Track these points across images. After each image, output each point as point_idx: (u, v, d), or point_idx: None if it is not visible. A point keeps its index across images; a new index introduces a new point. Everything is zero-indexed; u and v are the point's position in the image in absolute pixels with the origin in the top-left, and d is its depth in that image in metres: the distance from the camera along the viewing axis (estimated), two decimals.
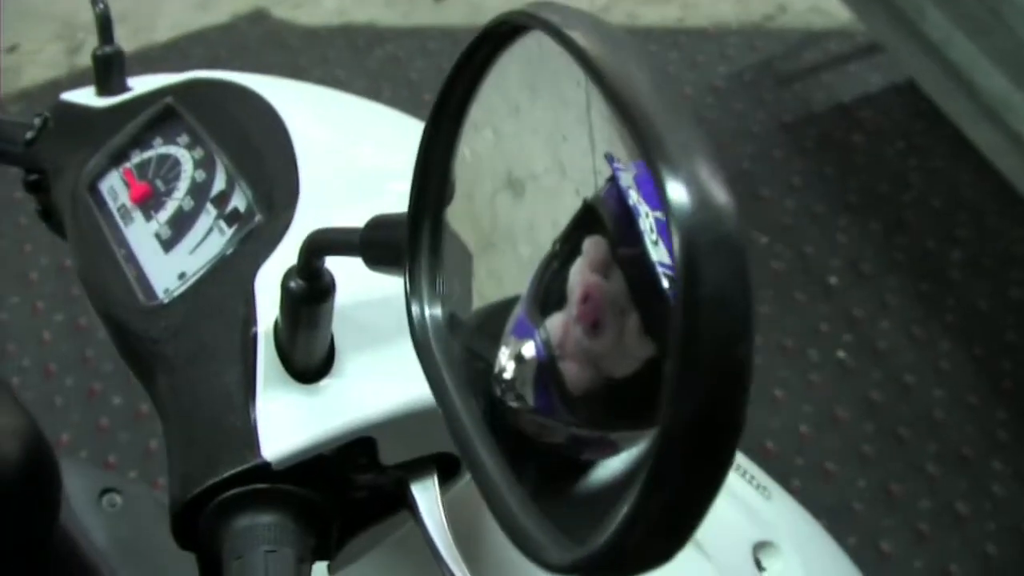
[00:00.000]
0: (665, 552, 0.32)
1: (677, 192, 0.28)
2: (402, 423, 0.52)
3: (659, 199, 0.28)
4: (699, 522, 0.31)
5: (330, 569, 0.60)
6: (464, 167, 0.46)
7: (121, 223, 0.67)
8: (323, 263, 0.50)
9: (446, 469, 0.56)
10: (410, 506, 0.55)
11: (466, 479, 0.57)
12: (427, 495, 0.55)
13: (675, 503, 0.30)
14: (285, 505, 0.50)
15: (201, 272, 0.60)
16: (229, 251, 0.60)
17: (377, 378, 0.53)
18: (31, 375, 2.14)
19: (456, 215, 0.47)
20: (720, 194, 0.28)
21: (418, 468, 0.55)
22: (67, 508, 1.03)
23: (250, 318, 0.55)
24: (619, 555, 0.32)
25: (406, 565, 0.71)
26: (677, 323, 0.28)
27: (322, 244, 0.49)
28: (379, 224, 0.49)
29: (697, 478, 0.30)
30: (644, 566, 0.33)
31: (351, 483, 0.55)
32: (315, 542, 0.51)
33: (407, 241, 0.47)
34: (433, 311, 0.47)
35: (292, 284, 0.50)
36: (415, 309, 0.47)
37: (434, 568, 0.53)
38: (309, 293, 0.50)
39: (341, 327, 0.54)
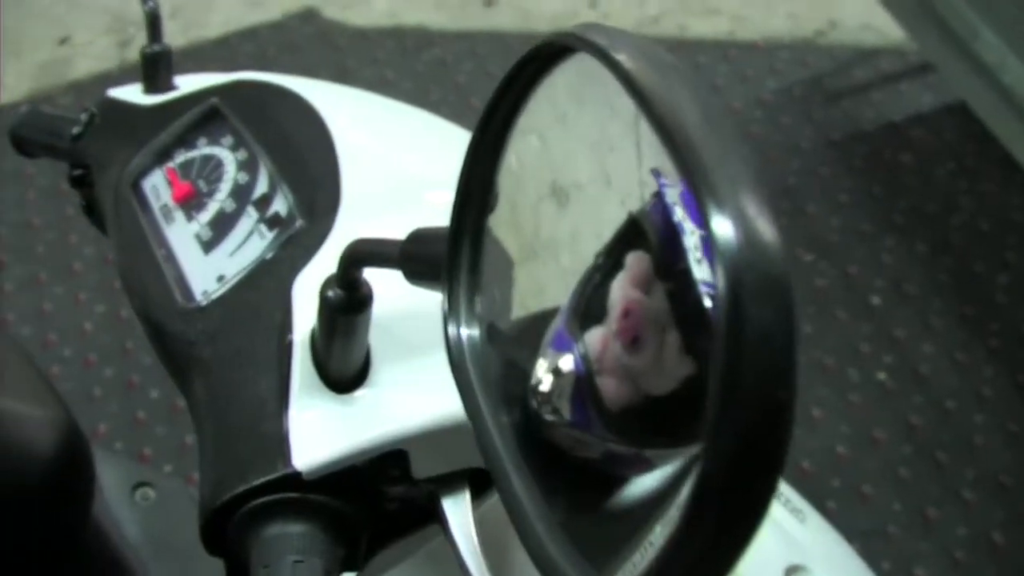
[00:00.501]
0: None
1: (723, 228, 0.27)
2: (435, 437, 0.52)
3: (704, 232, 0.28)
4: (733, 566, 0.30)
5: None
6: (509, 173, 0.45)
7: (162, 222, 0.67)
8: (362, 273, 0.50)
9: (478, 484, 0.56)
10: (441, 520, 0.54)
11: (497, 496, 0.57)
12: (458, 510, 0.54)
13: (711, 546, 0.30)
14: (315, 515, 0.50)
15: (240, 276, 0.60)
16: (269, 255, 0.60)
17: (412, 391, 0.52)
18: (71, 365, 2.16)
19: (499, 222, 0.46)
20: (767, 231, 0.28)
21: (450, 482, 0.55)
22: (100, 500, 1.04)
23: (287, 325, 0.55)
24: None
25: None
26: (719, 364, 0.27)
27: (361, 255, 0.49)
28: (419, 238, 0.48)
29: (734, 521, 0.29)
30: None
31: (382, 495, 0.54)
32: (344, 553, 0.51)
33: (446, 259, 0.46)
34: (470, 331, 0.46)
35: (330, 293, 0.50)
36: (452, 329, 0.46)
37: None
38: (347, 303, 0.50)
39: (378, 338, 0.53)
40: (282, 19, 2.98)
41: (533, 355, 0.41)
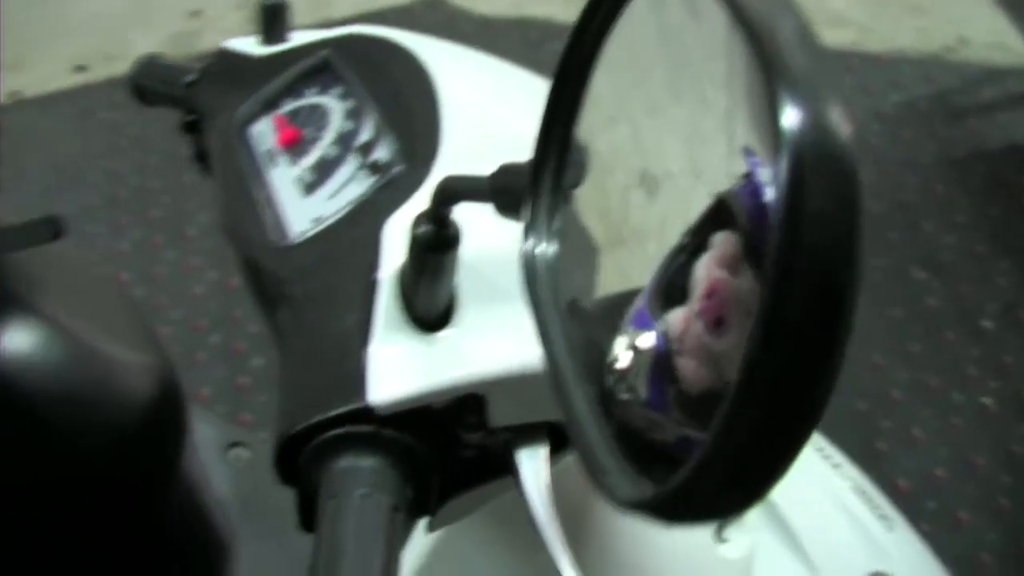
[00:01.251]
0: (739, 499, 0.31)
1: (793, 105, 0.27)
2: (515, 384, 0.51)
3: (771, 115, 0.27)
4: (778, 473, 0.30)
5: (429, 527, 0.59)
6: (598, 160, 0.45)
7: (266, 165, 0.68)
8: (451, 211, 0.50)
9: (556, 441, 0.55)
10: (514, 473, 0.54)
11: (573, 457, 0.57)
12: (533, 464, 0.54)
13: (757, 439, 0.29)
14: (386, 451, 0.50)
15: (335, 217, 0.61)
16: (365, 199, 0.61)
17: (495, 335, 0.52)
18: (179, 328, 2.21)
19: (587, 208, 0.46)
20: (836, 113, 0.27)
21: (527, 434, 0.54)
22: (194, 455, 1.06)
23: (375, 263, 0.56)
24: (691, 495, 0.32)
25: (504, 535, 0.70)
26: (776, 238, 0.27)
27: (452, 190, 0.49)
28: (508, 170, 0.49)
29: (781, 416, 0.29)
30: (715, 511, 0.33)
31: (457, 440, 0.54)
32: (413, 494, 0.51)
33: (531, 174, 0.47)
34: (547, 247, 0.47)
35: (420, 230, 0.50)
36: (529, 243, 0.47)
37: (532, 541, 0.52)
38: (436, 240, 0.50)
39: (465, 281, 0.54)
40: (410, 3, 3.02)
41: (612, 333, 0.41)
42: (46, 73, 2.83)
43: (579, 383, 0.42)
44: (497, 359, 0.51)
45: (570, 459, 0.65)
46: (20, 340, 0.83)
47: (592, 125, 0.46)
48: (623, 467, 0.38)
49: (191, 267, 2.33)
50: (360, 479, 0.49)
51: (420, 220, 0.50)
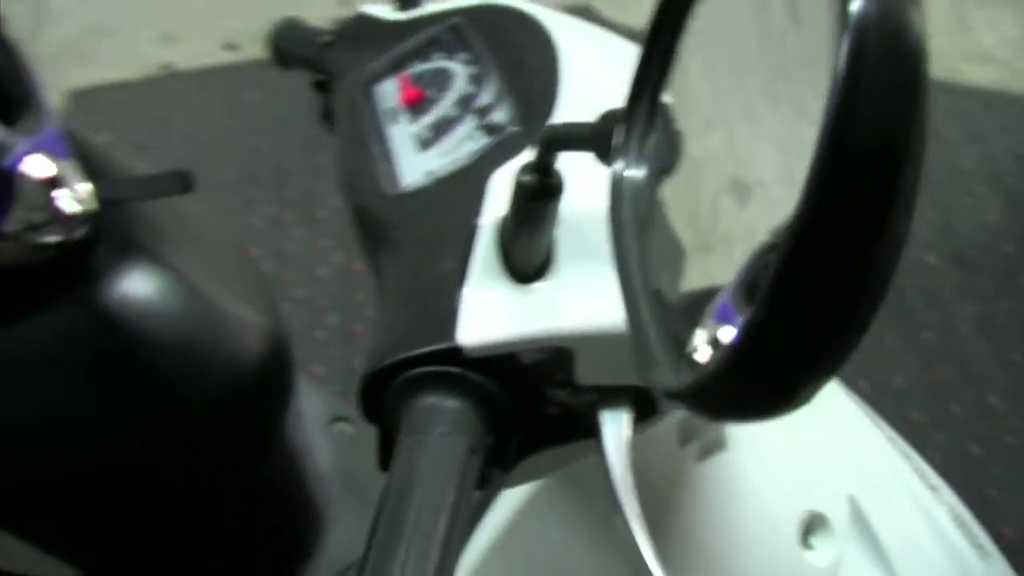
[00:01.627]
0: (782, 387, 0.31)
1: None
2: (606, 342, 0.51)
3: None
4: (819, 364, 0.30)
5: (506, 483, 0.59)
6: (691, 165, 0.45)
7: (386, 121, 0.70)
8: (556, 160, 0.50)
9: (642, 409, 0.55)
10: (597, 436, 0.54)
11: (659, 422, 0.56)
12: (616, 427, 0.53)
13: (799, 317, 0.29)
14: (470, 394, 0.50)
15: (447, 171, 0.63)
16: (478, 155, 0.62)
17: (590, 291, 0.52)
18: (300, 306, 2.25)
19: (676, 212, 0.46)
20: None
21: (612, 397, 0.54)
22: (298, 423, 1.08)
23: (478, 211, 0.56)
24: (730, 380, 0.32)
25: (581, 503, 0.70)
26: (835, 91, 0.27)
27: (557, 137, 0.50)
28: (612, 116, 0.49)
29: (828, 287, 0.29)
30: (756, 399, 0.33)
31: (542, 396, 0.54)
32: (492, 442, 0.51)
33: (628, 101, 0.47)
34: (637, 170, 0.47)
35: (524, 178, 0.51)
36: (618, 165, 0.47)
37: (609, 514, 0.52)
38: (539, 188, 0.50)
39: (564, 235, 0.54)
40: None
41: (692, 326, 0.41)
42: (198, 49, 2.92)
43: (645, 286, 0.44)
44: (590, 314, 0.51)
45: (659, 449, 0.65)
46: (141, 286, 0.85)
47: (688, 128, 0.47)
48: (671, 353, 0.39)
49: (319, 248, 2.37)
50: (441, 418, 0.49)
51: (525, 169, 0.51)
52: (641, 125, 0.47)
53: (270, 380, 0.95)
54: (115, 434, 0.85)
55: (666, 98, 0.47)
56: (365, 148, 0.69)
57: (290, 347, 1.01)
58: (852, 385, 0.82)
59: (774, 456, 0.71)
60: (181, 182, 0.88)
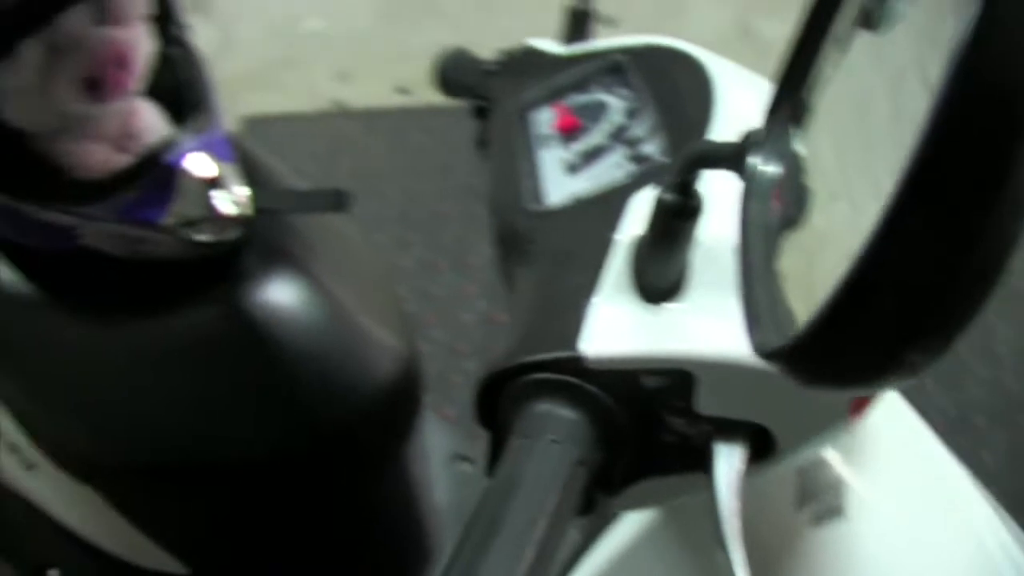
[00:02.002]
0: (882, 352, 0.30)
1: None
2: (730, 371, 0.50)
3: None
4: (923, 326, 0.29)
5: (610, 507, 0.58)
6: (812, 235, 0.44)
7: (538, 145, 0.72)
8: (697, 180, 0.49)
9: (758, 448, 0.53)
10: (708, 471, 0.52)
11: (772, 469, 0.54)
12: (729, 463, 0.52)
13: (906, 265, 0.28)
14: (586, 406, 0.50)
15: (591, 194, 0.63)
16: (623, 183, 0.62)
17: (720, 318, 0.51)
18: (439, 348, 2.26)
19: (791, 282, 0.45)
20: None
21: (729, 431, 0.53)
22: (421, 456, 1.08)
23: (614, 227, 0.57)
24: (826, 336, 0.31)
25: (685, 540, 0.68)
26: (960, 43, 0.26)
27: (699, 155, 0.49)
28: (754, 134, 0.48)
29: (943, 232, 0.27)
30: (853, 365, 0.31)
31: (659, 421, 0.53)
32: (601, 458, 0.50)
33: (772, 96, 0.46)
34: (773, 168, 0.46)
35: (664, 196, 0.50)
36: (753, 159, 0.46)
37: (713, 556, 0.51)
38: (678, 207, 0.50)
39: (700, 259, 0.53)
40: (714, 38, 3.02)
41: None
42: (371, 89, 2.99)
43: (764, 253, 0.43)
44: (718, 341, 0.50)
45: (773, 507, 0.63)
46: (285, 294, 0.87)
47: (814, 190, 0.46)
48: (776, 314, 0.38)
49: (464, 294, 2.39)
50: (554, 425, 0.49)
51: (666, 187, 0.50)
52: (781, 124, 0.46)
53: (397, 403, 0.96)
54: (240, 432, 0.86)
55: (800, 149, 0.46)
56: (514, 168, 0.70)
57: (421, 377, 1.02)
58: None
59: (896, 535, 0.68)
60: (336, 200, 0.90)
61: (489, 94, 0.86)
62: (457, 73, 0.92)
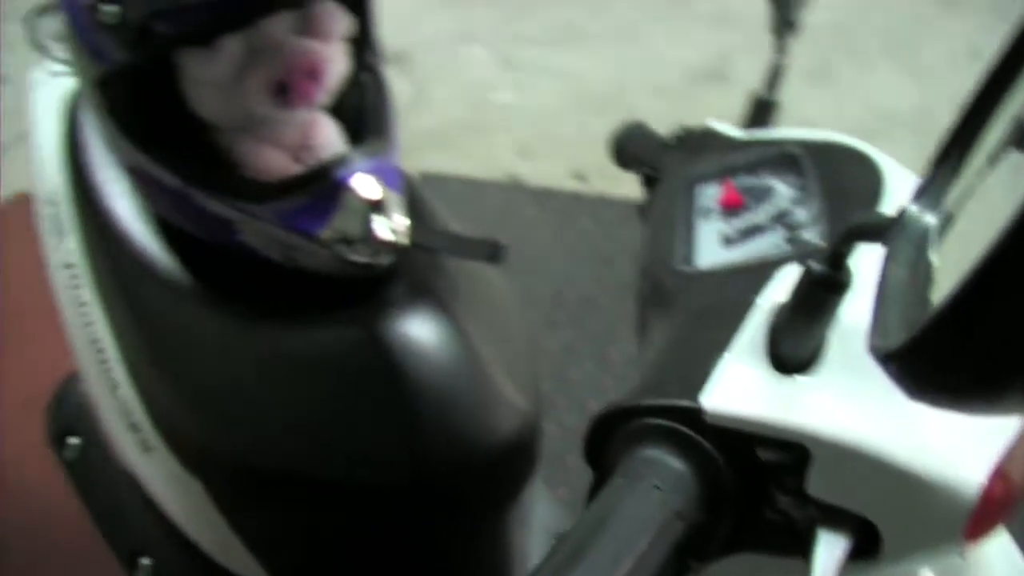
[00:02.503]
0: (996, 363, 0.28)
1: None
2: (849, 455, 0.48)
3: None
4: None
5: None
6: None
7: (699, 216, 0.73)
8: (850, 253, 0.48)
9: (862, 544, 0.51)
10: (807, 557, 0.50)
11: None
12: (831, 553, 0.50)
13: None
14: (695, 460, 0.49)
15: (740, 263, 0.64)
16: (775, 259, 0.62)
17: (850, 401, 0.49)
18: (564, 431, 2.24)
19: None
20: None
21: (836, 520, 0.51)
22: (524, 528, 1.06)
23: (758, 290, 0.57)
24: (940, 338, 0.30)
25: None
26: None
27: (857, 227, 0.47)
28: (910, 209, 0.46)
29: None
30: (964, 377, 0.30)
31: (765, 494, 0.51)
32: (702, 518, 0.49)
33: (942, 146, 0.45)
34: (929, 217, 0.44)
35: (813, 265, 0.49)
36: (914, 205, 0.44)
37: None
38: (826, 277, 0.49)
39: (839, 337, 0.52)
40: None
41: None
42: (548, 170, 3.02)
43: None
44: (841, 421, 0.49)
45: None
46: (424, 330, 0.87)
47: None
48: (901, 323, 0.37)
49: (601, 385, 2.38)
50: (660, 472, 0.48)
51: (816, 256, 0.49)
52: (946, 176, 0.45)
53: (510, 463, 0.95)
54: (351, 454, 0.87)
55: (934, 259, 0.45)
56: (672, 231, 0.71)
57: (539, 444, 1.01)
58: None
59: None
60: (492, 251, 0.90)
61: (661, 165, 0.88)
62: (633, 144, 0.94)
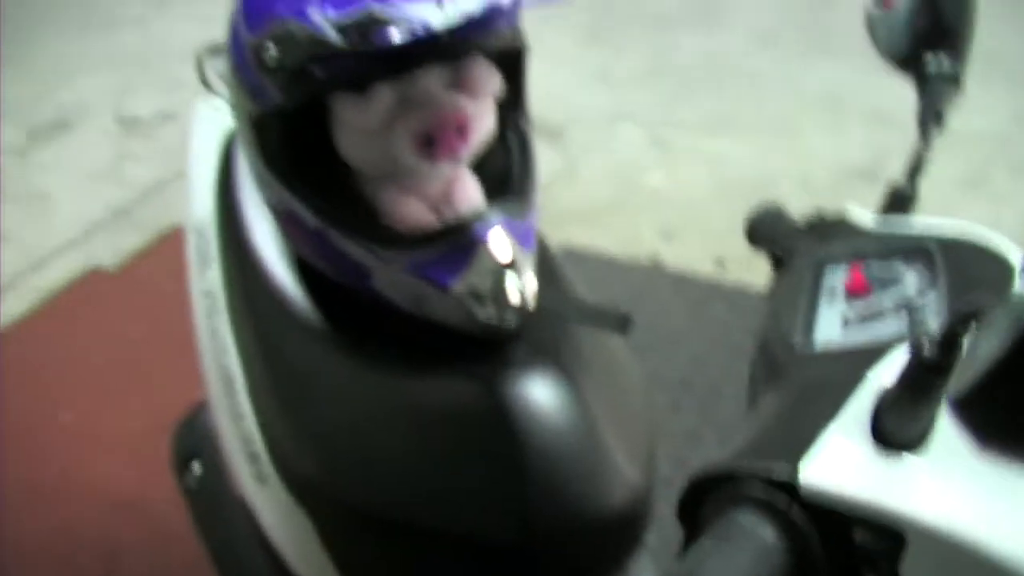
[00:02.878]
0: None
1: None
2: (950, 547, 0.47)
3: None
4: None
5: None
6: None
7: (823, 296, 0.73)
8: (964, 336, 0.47)
9: None
10: None
11: None
12: None
13: None
14: (787, 533, 0.49)
15: (856, 346, 0.64)
16: (891, 341, 0.62)
17: (951, 485, 0.48)
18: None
19: None
20: None
21: None
22: None
23: (870, 364, 0.57)
24: (994, 384, 0.34)
25: None
26: None
27: (969, 311, 0.47)
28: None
29: None
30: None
31: None
32: None
33: None
34: None
35: (924, 344, 0.48)
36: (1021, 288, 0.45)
37: None
38: (936, 360, 0.47)
39: (951, 422, 0.50)
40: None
41: None
42: (690, 253, 3.02)
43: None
44: (944, 511, 0.47)
45: None
46: (543, 393, 0.88)
47: None
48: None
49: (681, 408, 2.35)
50: (749, 538, 0.48)
51: (928, 336, 0.48)
52: None
53: (616, 534, 0.94)
54: (458, 506, 0.87)
55: None
56: (794, 309, 0.72)
57: (648, 518, 1.00)
58: None
59: None
60: (619, 322, 0.91)
61: (791, 247, 0.88)
62: (767, 224, 0.95)
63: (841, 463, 0.50)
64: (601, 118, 3.68)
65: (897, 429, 0.50)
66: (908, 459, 0.50)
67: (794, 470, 0.49)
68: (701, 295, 2.89)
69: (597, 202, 3.21)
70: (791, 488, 0.49)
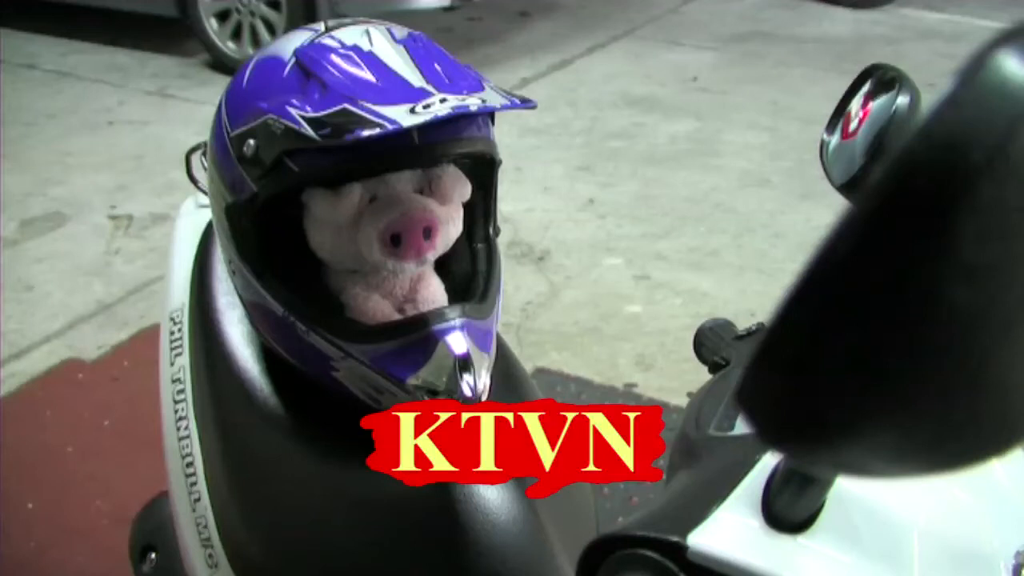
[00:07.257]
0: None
1: None
2: None
3: None
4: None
5: None
6: None
7: None
8: None
9: None
10: None
11: None
12: None
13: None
14: None
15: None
16: None
17: (836, 567, 0.50)
18: None
19: None
20: None
21: None
22: None
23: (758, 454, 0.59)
24: (757, 370, 0.34)
25: None
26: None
27: None
28: None
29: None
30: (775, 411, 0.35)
31: None
32: None
33: None
34: None
35: None
36: None
37: None
38: None
39: (838, 504, 0.52)
40: None
41: None
42: (663, 384, 3.04)
43: None
44: None
45: None
46: (495, 497, 0.89)
47: None
48: None
49: None
50: None
51: None
52: None
53: None
54: None
55: None
56: (718, 403, 0.75)
57: None
58: None
59: None
60: None
61: (730, 355, 0.91)
62: (711, 336, 0.99)
63: (729, 534, 0.52)
64: (588, 248, 3.73)
65: (787, 508, 0.53)
66: (798, 537, 0.53)
67: (684, 535, 0.52)
68: (671, 424, 2.91)
69: (576, 327, 3.24)
70: (679, 553, 0.51)
